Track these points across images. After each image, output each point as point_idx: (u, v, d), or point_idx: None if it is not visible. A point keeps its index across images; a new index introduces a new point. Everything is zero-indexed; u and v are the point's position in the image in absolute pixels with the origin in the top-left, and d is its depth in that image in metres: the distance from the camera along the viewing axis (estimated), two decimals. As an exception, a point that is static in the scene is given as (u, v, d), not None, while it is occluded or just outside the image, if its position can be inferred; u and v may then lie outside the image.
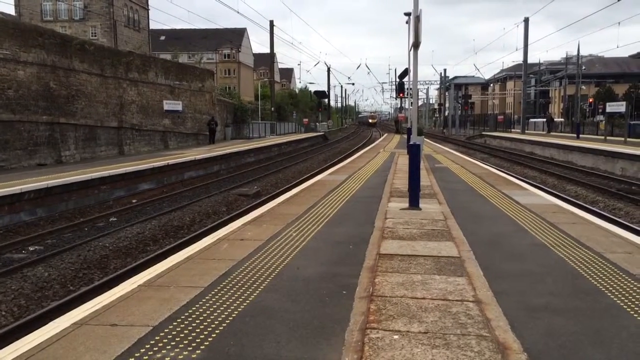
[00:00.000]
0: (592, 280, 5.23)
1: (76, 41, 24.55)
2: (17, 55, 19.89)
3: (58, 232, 11.93)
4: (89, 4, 53.97)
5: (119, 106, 26.69)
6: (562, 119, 62.33)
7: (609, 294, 4.82)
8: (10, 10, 54.68)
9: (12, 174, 16.55)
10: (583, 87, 64.85)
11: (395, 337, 3.87)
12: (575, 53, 62.15)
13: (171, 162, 20.53)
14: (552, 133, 46.86)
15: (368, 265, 5.80)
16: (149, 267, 6.54)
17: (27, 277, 8.63)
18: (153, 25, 65.87)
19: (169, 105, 31.25)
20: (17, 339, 4.20)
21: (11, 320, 6.88)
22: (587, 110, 62.87)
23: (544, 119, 55.29)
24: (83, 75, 23.87)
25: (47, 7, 55.47)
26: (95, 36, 52.97)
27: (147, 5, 62.67)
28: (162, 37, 74.50)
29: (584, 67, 65.23)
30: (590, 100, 60.88)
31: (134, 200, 16.40)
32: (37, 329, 4.35)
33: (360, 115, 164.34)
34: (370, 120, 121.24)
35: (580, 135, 37.23)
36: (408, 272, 5.53)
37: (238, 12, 41.02)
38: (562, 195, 15.16)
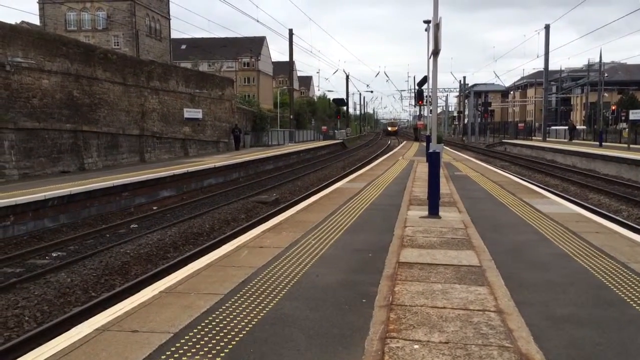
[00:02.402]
0: (617, 291, 5.13)
1: (99, 50, 25.00)
2: (42, 64, 20.30)
3: (80, 239, 12.11)
4: (112, 14, 54.95)
5: (141, 114, 27.06)
6: (584, 127, 61.50)
7: (635, 305, 4.72)
8: (35, 20, 55.93)
9: (36, 181, 16.85)
10: (605, 94, 64.00)
11: (416, 346, 3.83)
12: (597, 60, 61.51)
13: (191, 169, 20.71)
14: (573, 141, 46.24)
15: (387, 273, 5.77)
16: (170, 273, 6.58)
17: (50, 282, 8.76)
18: (174, 35, 66.95)
19: (189, 113, 31.63)
20: (40, 344, 4.26)
21: (34, 326, 6.99)
22: (610, 117, 61.97)
23: (566, 127, 54.59)
24: (106, 84, 24.26)
25: (71, 17, 56.63)
26: (118, 45, 53.89)
27: (169, 14, 63.59)
28: (183, 46, 75.46)
29: (606, 74, 64.37)
30: (613, 107, 60.00)
31: (154, 207, 16.57)
32: (59, 334, 4.41)
33: (383, 123, 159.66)
34: (389, 129, 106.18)
35: (603, 143, 36.66)
36: (428, 281, 5.49)
37: (257, 21, 42.05)
38: (584, 203, 14.93)
